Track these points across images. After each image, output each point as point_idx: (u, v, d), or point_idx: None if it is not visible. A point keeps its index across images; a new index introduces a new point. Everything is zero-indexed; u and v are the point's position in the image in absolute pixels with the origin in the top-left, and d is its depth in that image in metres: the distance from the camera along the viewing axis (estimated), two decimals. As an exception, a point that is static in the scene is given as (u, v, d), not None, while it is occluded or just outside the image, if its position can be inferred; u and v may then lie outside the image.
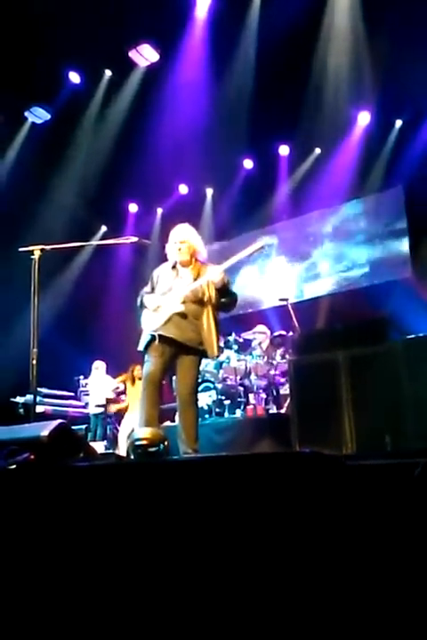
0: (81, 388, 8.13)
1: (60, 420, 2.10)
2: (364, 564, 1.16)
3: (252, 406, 6.02)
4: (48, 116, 8.09)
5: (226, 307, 3.82)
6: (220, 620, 1.17)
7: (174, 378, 3.81)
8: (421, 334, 3.98)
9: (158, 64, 7.40)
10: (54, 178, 8.43)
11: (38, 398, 4.90)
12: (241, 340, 6.71)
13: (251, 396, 6.28)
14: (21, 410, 6.64)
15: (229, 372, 6.47)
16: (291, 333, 6.07)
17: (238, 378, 6.34)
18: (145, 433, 2.72)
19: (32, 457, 2.00)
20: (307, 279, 9.31)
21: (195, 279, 3.70)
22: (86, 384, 8.08)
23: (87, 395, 7.98)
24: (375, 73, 6.86)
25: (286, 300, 6.32)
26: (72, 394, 7.99)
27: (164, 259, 3.96)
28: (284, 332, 6.53)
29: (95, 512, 1.41)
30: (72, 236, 4.73)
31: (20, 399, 6.75)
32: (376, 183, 8.37)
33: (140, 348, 3.71)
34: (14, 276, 5.96)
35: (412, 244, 8.18)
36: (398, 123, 8.02)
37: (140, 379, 7.34)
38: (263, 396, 6.21)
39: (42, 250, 3.52)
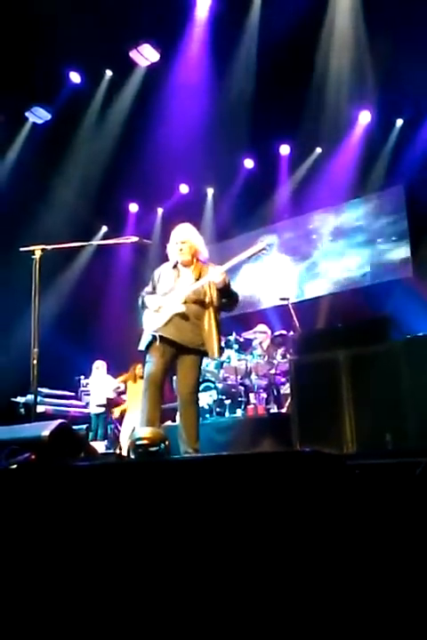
0: (82, 388, 8.14)
1: (60, 420, 2.11)
2: (365, 563, 1.16)
3: (252, 406, 6.01)
4: (49, 117, 8.09)
5: (227, 307, 3.82)
6: (221, 618, 1.17)
7: (175, 378, 3.81)
8: (421, 334, 3.98)
9: (159, 64, 7.40)
10: (55, 178, 8.44)
11: (39, 398, 4.89)
12: (242, 340, 6.70)
13: (251, 395, 6.28)
14: (22, 410, 6.65)
15: (229, 372, 6.47)
16: (292, 333, 6.06)
17: (239, 377, 6.34)
18: (145, 433, 2.72)
19: (33, 457, 2.00)
20: (308, 278, 9.31)
21: (196, 279, 3.69)
22: (87, 384, 8.09)
23: (88, 394, 7.98)
24: (376, 72, 6.87)
25: (287, 299, 6.31)
26: (73, 394, 8.00)
27: (164, 258, 3.95)
28: (284, 332, 6.53)
29: (96, 512, 1.41)
30: (73, 236, 4.73)
31: (20, 399, 6.76)
32: (377, 182, 8.37)
33: (142, 347, 3.71)
34: (15, 277, 5.97)
35: (412, 244, 8.18)
36: (399, 122, 8.03)
37: (141, 377, 7.37)
38: (264, 395, 6.21)
39: (43, 250, 3.53)
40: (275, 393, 6.11)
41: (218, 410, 6.16)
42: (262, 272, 9.61)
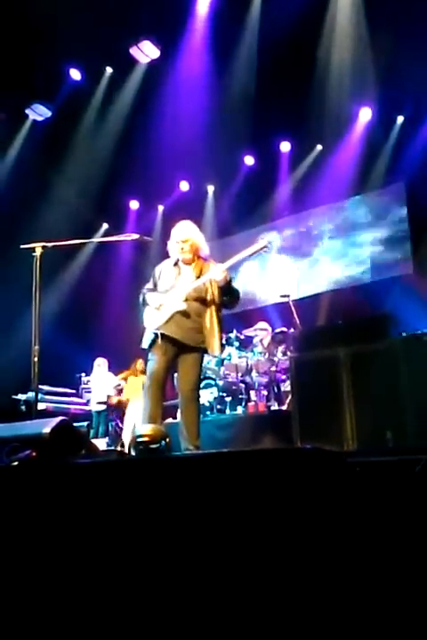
0: (83, 386, 8.14)
1: (61, 418, 2.11)
2: (365, 559, 1.17)
3: (253, 403, 6.02)
4: (49, 114, 8.08)
5: (229, 304, 3.82)
6: (222, 614, 1.18)
7: (176, 375, 3.82)
8: (421, 331, 3.97)
9: (159, 60, 7.40)
10: (55, 175, 8.43)
11: (40, 395, 4.90)
12: (242, 337, 6.70)
13: (252, 392, 6.29)
14: (23, 407, 6.64)
15: (230, 369, 6.47)
16: (292, 330, 6.06)
17: (240, 375, 6.34)
18: (146, 430, 2.73)
19: (34, 454, 2.00)
20: (308, 276, 9.30)
21: (197, 277, 3.69)
22: (88, 381, 8.09)
23: (89, 392, 7.99)
24: (377, 69, 6.86)
25: (288, 296, 6.31)
26: (74, 391, 7.99)
27: (165, 256, 3.95)
28: (285, 329, 6.52)
29: (97, 509, 1.42)
30: (73, 234, 4.72)
31: (21, 396, 6.74)
32: (378, 180, 8.35)
33: (145, 345, 3.71)
34: (16, 274, 5.96)
35: (413, 242, 8.17)
36: (400, 119, 8.01)
37: (142, 372, 7.38)
38: (264, 392, 6.21)
39: (43, 247, 3.52)
40: (275, 390, 6.11)
41: (219, 407, 6.17)
42: (263, 269, 9.61)
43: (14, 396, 6.77)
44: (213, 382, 6.34)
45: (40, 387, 3.88)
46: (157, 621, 1.24)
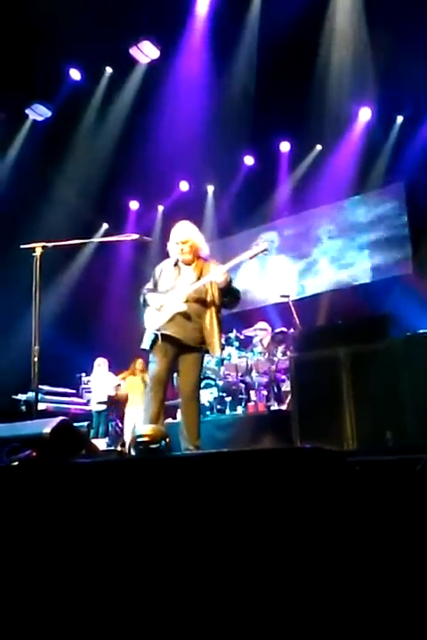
0: (83, 386, 8.14)
1: (61, 418, 2.11)
2: (365, 559, 1.17)
3: (253, 403, 6.02)
4: (49, 114, 8.08)
5: (229, 305, 3.83)
6: (222, 613, 1.18)
7: (176, 375, 3.82)
8: (421, 331, 3.98)
9: (159, 61, 7.40)
10: (55, 175, 8.43)
11: (40, 396, 4.90)
12: (242, 337, 6.70)
13: (252, 392, 6.29)
14: (23, 407, 6.64)
15: (230, 369, 6.47)
16: (292, 330, 6.07)
17: (240, 375, 6.34)
18: (146, 430, 2.74)
19: (34, 454, 2.01)
20: (308, 276, 9.30)
21: (198, 277, 3.69)
22: (88, 381, 8.09)
23: (89, 392, 7.99)
24: (377, 69, 6.85)
25: (287, 296, 6.32)
26: (74, 391, 7.99)
27: (165, 256, 3.95)
28: (285, 329, 6.52)
29: (97, 509, 1.42)
30: (73, 234, 4.72)
31: (21, 396, 6.74)
32: (377, 180, 8.36)
33: (145, 346, 3.72)
34: (16, 274, 5.96)
35: (413, 242, 8.17)
36: (400, 119, 8.01)
37: (141, 371, 7.39)
38: (264, 392, 6.21)
39: (43, 247, 3.53)
40: (275, 390, 6.11)
41: (219, 407, 6.17)
42: (263, 269, 9.61)
43: (14, 397, 6.76)
44: (213, 382, 6.34)
45: (40, 387, 3.89)
46: (157, 621, 1.25)
